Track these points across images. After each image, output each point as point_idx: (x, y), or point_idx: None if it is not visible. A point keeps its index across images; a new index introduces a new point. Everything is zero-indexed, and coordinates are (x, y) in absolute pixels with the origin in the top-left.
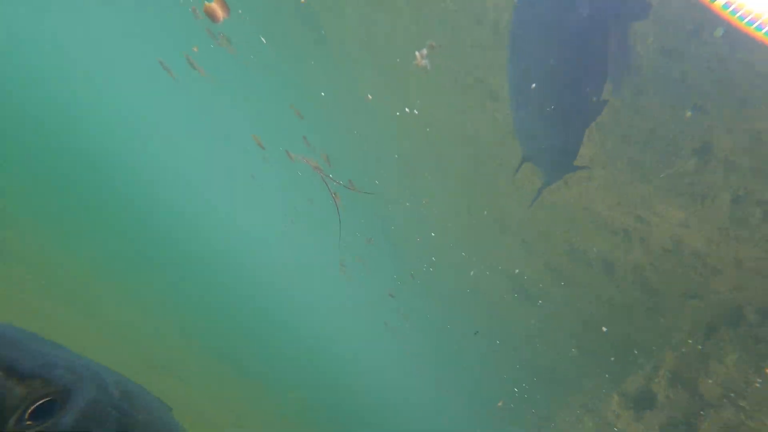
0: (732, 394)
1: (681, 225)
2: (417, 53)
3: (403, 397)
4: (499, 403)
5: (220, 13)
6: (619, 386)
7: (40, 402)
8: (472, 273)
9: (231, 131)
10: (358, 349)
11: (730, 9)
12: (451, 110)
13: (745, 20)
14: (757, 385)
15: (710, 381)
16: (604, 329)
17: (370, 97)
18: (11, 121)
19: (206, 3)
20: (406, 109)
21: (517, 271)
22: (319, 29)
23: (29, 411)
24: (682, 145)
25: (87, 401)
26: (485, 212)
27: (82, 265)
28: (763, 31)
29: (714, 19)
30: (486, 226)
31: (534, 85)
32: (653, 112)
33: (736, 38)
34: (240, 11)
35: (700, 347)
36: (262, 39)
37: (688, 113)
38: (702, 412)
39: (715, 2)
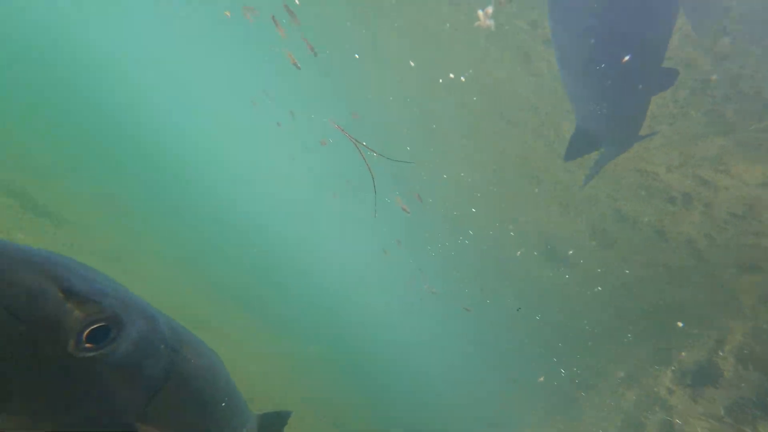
0: None
1: (761, 185)
2: (480, 12)
3: (435, 371)
4: (540, 379)
5: None
6: (672, 359)
7: (96, 326)
8: (519, 253)
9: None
10: (388, 315)
11: None
12: (505, 76)
13: None
14: None
15: None
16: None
17: (412, 63)
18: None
19: None
20: (451, 75)
21: (555, 233)
22: None
23: (85, 334)
24: None
25: (139, 332)
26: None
27: (145, 245)
28: None
29: None
30: (525, 190)
31: (579, 36)
32: (742, 55)
33: None
34: None
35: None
36: (296, 1)
37: None
38: None
39: None
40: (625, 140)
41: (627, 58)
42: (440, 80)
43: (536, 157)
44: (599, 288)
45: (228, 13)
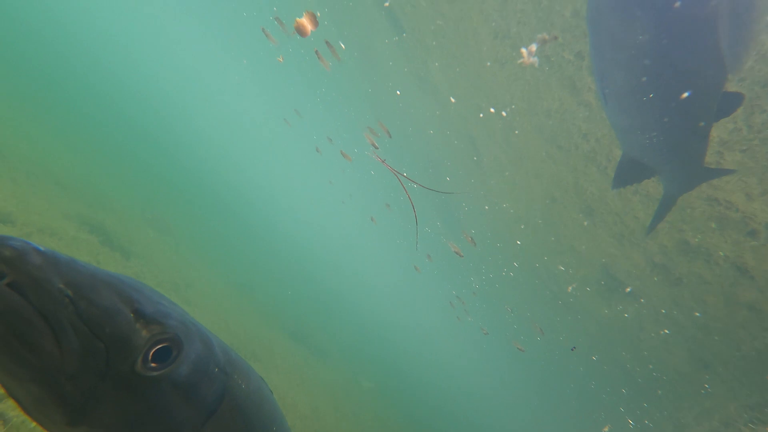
0: None
1: None
2: (523, 50)
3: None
4: (605, 429)
5: (309, 27)
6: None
7: (159, 346)
8: (570, 289)
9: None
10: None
11: None
12: (551, 107)
13: None
14: None
15: None
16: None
17: (453, 99)
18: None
19: (297, 19)
20: (491, 110)
21: (610, 267)
22: (400, 32)
23: (151, 353)
24: None
25: (196, 354)
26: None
27: (196, 266)
28: None
29: None
30: (575, 221)
31: (621, 63)
32: None
33: None
34: (320, 14)
35: None
36: (342, 45)
37: None
38: None
39: None
40: (687, 175)
41: (685, 95)
42: (481, 115)
43: (587, 185)
44: (667, 331)
45: (281, 59)
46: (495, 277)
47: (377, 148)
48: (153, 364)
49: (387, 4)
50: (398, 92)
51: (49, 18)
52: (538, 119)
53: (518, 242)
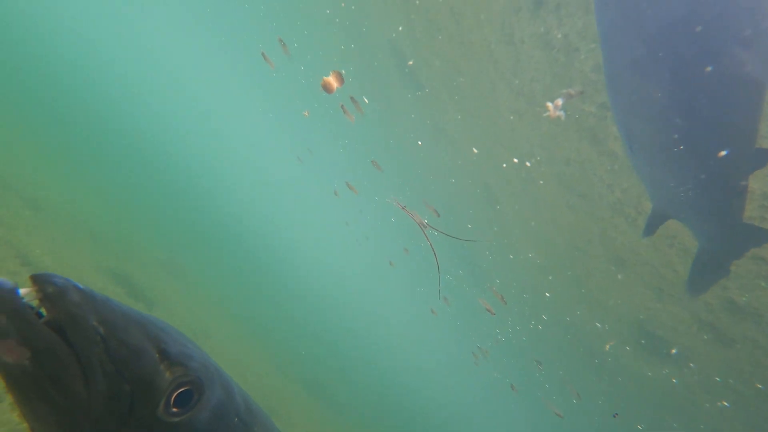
0: None
1: None
2: (549, 104)
3: None
4: None
5: (335, 84)
6: None
7: (182, 390)
8: (608, 347)
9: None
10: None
11: None
12: (573, 157)
13: None
14: None
15: None
16: None
17: (475, 150)
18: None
19: (324, 77)
20: (515, 160)
21: (651, 323)
22: (422, 87)
23: (173, 397)
24: None
25: (217, 401)
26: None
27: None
28: None
29: None
30: (606, 273)
31: (647, 116)
32: None
33: None
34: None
35: None
36: (365, 99)
37: None
38: None
39: None
40: (724, 232)
41: (723, 153)
42: (504, 165)
43: (615, 235)
44: (726, 404)
45: (307, 113)
46: (522, 330)
47: (381, 170)
48: (174, 409)
49: (411, 62)
50: (419, 143)
51: (83, 79)
52: (558, 167)
53: (547, 294)
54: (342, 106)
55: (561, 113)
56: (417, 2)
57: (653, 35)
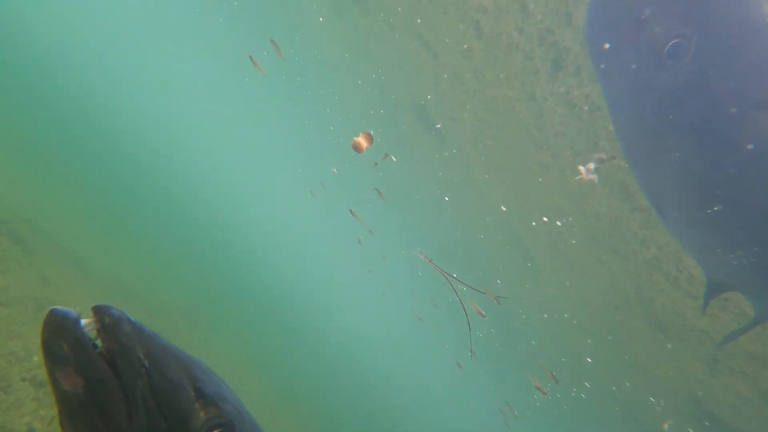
0: None
1: None
2: (581, 168)
3: None
4: None
5: (365, 144)
6: None
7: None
8: (666, 426)
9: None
10: None
11: None
12: (605, 211)
13: None
14: None
15: None
16: None
17: (504, 208)
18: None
19: (354, 138)
20: (545, 219)
21: (711, 400)
22: (450, 148)
23: None
24: None
25: None
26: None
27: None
28: None
29: None
30: (651, 339)
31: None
32: None
33: None
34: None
35: None
36: (393, 157)
37: None
38: None
39: None
40: None
41: None
42: (533, 223)
43: (654, 295)
44: None
45: (335, 170)
46: (564, 398)
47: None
48: None
49: (438, 125)
50: (446, 198)
51: (128, 150)
52: (587, 222)
53: (588, 359)
54: (375, 164)
55: (594, 177)
56: (445, 75)
57: (664, 103)
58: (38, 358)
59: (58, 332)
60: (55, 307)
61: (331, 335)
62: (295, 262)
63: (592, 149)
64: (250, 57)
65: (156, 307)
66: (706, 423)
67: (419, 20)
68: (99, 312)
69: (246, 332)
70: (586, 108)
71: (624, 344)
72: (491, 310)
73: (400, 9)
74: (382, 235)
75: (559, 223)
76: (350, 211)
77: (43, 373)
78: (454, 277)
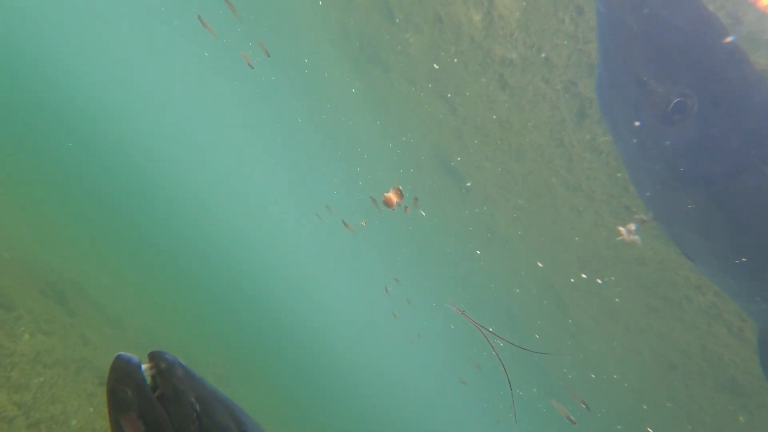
0: None
1: None
2: (622, 229)
3: None
4: None
5: (395, 200)
6: None
7: None
8: None
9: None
10: None
11: None
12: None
13: None
14: None
15: None
16: None
17: (540, 264)
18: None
19: (385, 194)
20: (583, 275)
21: None
22: (481, 205)
23: None
24: None
25: None
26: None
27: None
28: None
29: None
30: (721, 407)
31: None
32: None
33: None
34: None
35: None
36: (422, 212)
37: None
38: None
39: None
40: None
41: None
42: (572, 280)
43: (718, 349)
44: None
45: (364, 223)
46: None
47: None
48: None
49: (468, 184)
50: (478, 252)
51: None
52: (631, 267)
53: (649, 430)
54: (406, 210)
55: (636, 237)
56: (469, 129)
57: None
58: (76, 422)
59: (123, 378)
60: (120, 353)
61: (359, 390)
62: (328, 322)
63: (622, 194)
64: (199, 17)
65: (189, 363)
66: None
67: (445, 85)
68: (155, 358)
69: (276, 391)
70: (612, 160)
71: (690, 412)
72: (532, 367)
73: (420, 71)
74: (411, 285)
75: (599, 281)
76: (343, 222)
77: None
78: (490, 331)
